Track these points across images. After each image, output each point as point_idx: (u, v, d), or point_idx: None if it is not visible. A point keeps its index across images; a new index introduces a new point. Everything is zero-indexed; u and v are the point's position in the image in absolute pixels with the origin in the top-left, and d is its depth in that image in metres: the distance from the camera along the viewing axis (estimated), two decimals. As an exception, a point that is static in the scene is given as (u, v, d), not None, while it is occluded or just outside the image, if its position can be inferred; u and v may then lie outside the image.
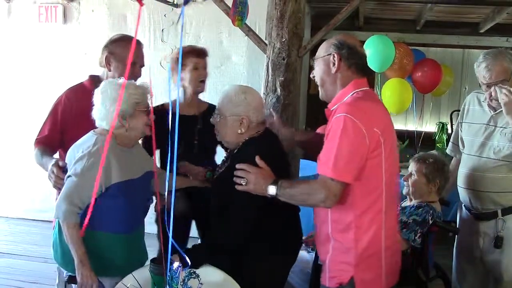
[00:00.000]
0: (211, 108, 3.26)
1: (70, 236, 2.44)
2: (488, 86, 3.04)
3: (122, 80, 2.56)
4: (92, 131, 2.61)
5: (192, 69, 3.24)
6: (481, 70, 3.05)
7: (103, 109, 2.51)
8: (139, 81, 2.66)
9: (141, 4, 1.68)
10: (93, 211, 2.48)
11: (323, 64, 2.43)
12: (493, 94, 3.00)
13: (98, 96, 2.55)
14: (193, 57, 3.25)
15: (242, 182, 2.38)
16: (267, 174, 2.39)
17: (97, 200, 2.46)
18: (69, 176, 2.49)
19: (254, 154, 2.45)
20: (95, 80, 3.08)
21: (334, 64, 2.38)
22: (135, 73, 3.08)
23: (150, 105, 2.59)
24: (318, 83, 2.49)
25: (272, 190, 2.34)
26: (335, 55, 2.38)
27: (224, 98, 2.59)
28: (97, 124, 2.58)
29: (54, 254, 2.68)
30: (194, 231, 3.45)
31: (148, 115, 2.58)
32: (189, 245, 2.77)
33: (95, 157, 2.44)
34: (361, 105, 2.27)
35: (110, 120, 2.50)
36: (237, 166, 2.42)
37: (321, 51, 2.46)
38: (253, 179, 2.37)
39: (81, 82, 3.16)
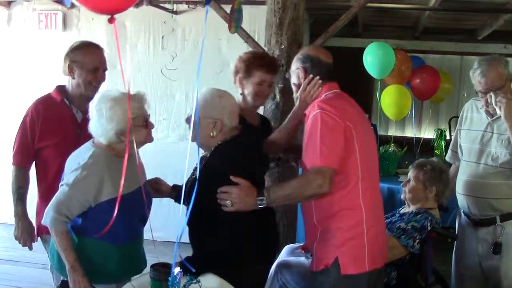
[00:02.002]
0: (262, 118, 3.32)
1: (58, 243, 2.44)
2: (484, 92, 3.06)
3: (114, 94, 2.50)
4: (90, 141, 2.58)
5: (257, 83, 3.01)
6: (476, 76, 3.07)
7: (100, 127, 2.47)
8: (134, 90, 2.56)
9: (112, 22, 1.72)
10: (86, 219, 2.49)
11: (295, 77, 2.70)
12: (489, 100, 3.02)
13: (93, 112, 2.50)
14: (263, 71, 3.01)
15: (227, 204, 2.40)
16: (248, 189, 2.42)
17: (89, 211, 2.47)
18: (62, 185, 2.49)
19: (226, 162, 2.48)
20: (61, 90, 3.10)
21: (301, 77, 2.64)
22: (98, 79, 3.06)
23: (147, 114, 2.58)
24: (294, 95, 2.77)
25: (260, 201, 2.41)
26: (300, 69, 2.64)
27: (199, 100, 2.51)
28: (94, 137, 2.56)
29: (51, 259, 2.69)
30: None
31: (147, 127, 2.56)
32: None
33: (88, 170, 2.43)
34: (332, 103, 2.49)
35: (108, 138, 2.47)
36: (218, 190, 2.41)
37: (292, 65, 2.74)
38: (237, 199, 2.39)
39: (49, 93, 3.15)
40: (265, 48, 3.85)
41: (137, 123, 2.49)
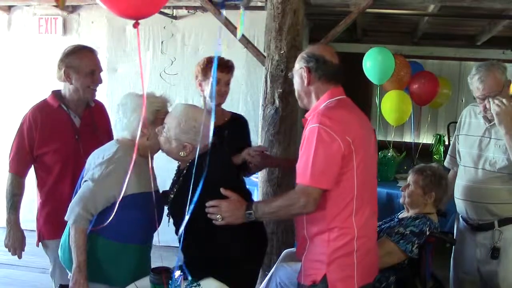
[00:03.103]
0: (234, 117, 3.36)
1: (76, 240, 2.44)
2: (482, 98, 3.07)
3: (139, 92, 2.57)
4: (115, 139, 2.64)
5: None
6: (474, 82, 3.09)
7: (125, 119, 2.55)
8: (158, 93, 2.68)
9: (135, 26, 1.79)
10: (107, 219, 2.47)
11: (298, 77, 2.57)
12: (487, 106, 3.04)
13: (118, 109, 2.59)
14: (218, 70, 3.16)
15: (218, 218, 2.41)
16: (238, 202, 2.44)
17: (111, 209, 2.45)
18: (85, 181, 2.50)
19: (211, 169, 2.43)
20: (58, 96, 3.12)
21: (305, 77, 2.50)
22: (95, 81, 3.09)
23: None
24: (296, 95, 2.63)
25: (249, 215, 2.42)
26: (304, 69, 2.50)
27: (174, 119, 2.53)
28: (117, 135, 2.62)
29: (62, 255, 2.66)
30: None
31: None
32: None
33: (114, 165, 2.46)
34: (333, 115, 2.37)
35: (132, 128, 2.52)
36: (207, 204, 2.41)
37: (296, 64, 2.60)
38: (227, 213, 2.41)
39: (45, 99, 3.16)
40: (265, 54, 3.87)
41: (160, 116, 2.58)
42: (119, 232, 2.51)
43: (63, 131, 3.05)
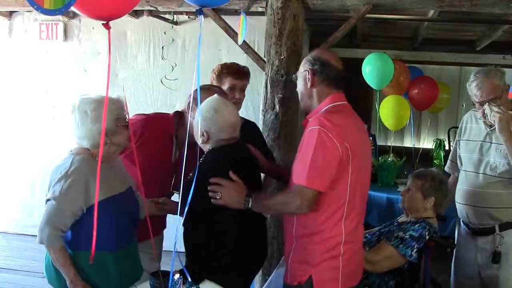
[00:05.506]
0: (246, 123, 3.29)
1: (57, 259, 2.42)
2: (481, 104, 3.08)
3: (96, 96, 2.52)
4: (69, 151, 2.56)
5: (228, 89, 3.16)
6: (472, 88, 3.10)
7: (85, 129, 2.47)
8: (115, 95, 2.61)
9: (107, 28, 1.81)
10: (78, 231, 2.46)
11: (301, 80, 2.59)
12: (485, 111, 3.05)
13: (76, 115, 2.49)
14: (232, 77, 3.19)
15: (216, 196, 2.44)
16: (240, 188, 2.46)
17: (80, 220, 2.44)
18: (48, 200, 2.44)
19: (215, 163, 2.54)
20: (176, 119, 3.07)
21: (309, 79, 2.53)
22: None
23: (127, 118, 2.59)
24: (299, 98, 2.65)
25: (246, 202, 2.44)
26: (309, 71, 2.53)
27: (202, 105, 2.61)
28: (76, 142, 2.54)
29: (49, 278, 2.63)
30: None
31: (128, 128, 2.56)
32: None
33: (72, 178, 2.41)
34: (333, 120, 2.38)
35: (92, 139, 2.47)
36: (211, 180, 2.45)
37: (300, 67, 2.63)
38: (226, 193, 2.44)
39: (168, 114, 3.11)
40: (265, 59, 3.88)
41: (121, 124, 2.53)
42: (99, 241, 2.35)
43: (159, 160, 2.90)
